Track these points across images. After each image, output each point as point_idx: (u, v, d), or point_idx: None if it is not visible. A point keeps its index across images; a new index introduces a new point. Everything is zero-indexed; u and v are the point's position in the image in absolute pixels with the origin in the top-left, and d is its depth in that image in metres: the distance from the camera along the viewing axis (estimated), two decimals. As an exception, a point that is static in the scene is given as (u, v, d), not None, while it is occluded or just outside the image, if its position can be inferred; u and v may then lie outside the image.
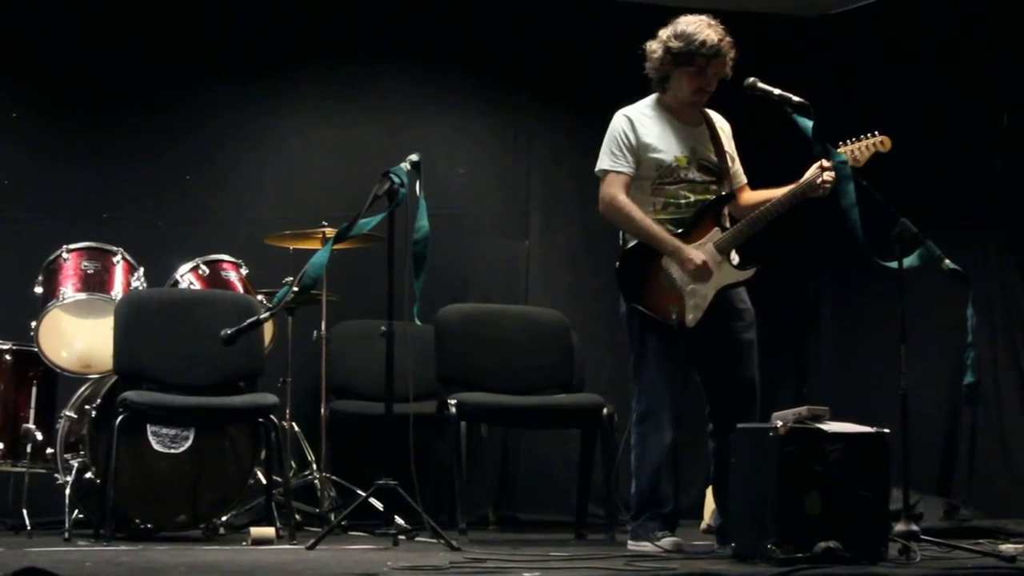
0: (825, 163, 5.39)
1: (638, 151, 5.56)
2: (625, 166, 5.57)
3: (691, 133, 5.62)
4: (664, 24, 5.60)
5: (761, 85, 5.48)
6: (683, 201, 5.54)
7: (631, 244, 5.58)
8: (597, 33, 8.03)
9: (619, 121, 5.63)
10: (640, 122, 5.60)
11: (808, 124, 5.31)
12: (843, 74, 8.13)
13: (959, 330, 5.62)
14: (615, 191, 5.57)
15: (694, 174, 5.56)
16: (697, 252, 5.45)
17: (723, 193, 5.58)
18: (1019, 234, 7.35)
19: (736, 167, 5.70)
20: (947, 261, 5.35)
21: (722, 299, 5.49)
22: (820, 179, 5.38)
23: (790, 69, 6.33)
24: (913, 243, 5.36)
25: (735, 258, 5.55)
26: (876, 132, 5.44)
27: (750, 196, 5.64)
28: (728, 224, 5.55)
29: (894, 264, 5.34)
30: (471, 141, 8.14)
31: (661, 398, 5.49)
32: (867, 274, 6.40)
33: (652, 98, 5.67)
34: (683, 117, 5.63)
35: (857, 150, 5.44)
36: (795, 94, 5.39)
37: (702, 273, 5.44)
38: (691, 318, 5.45)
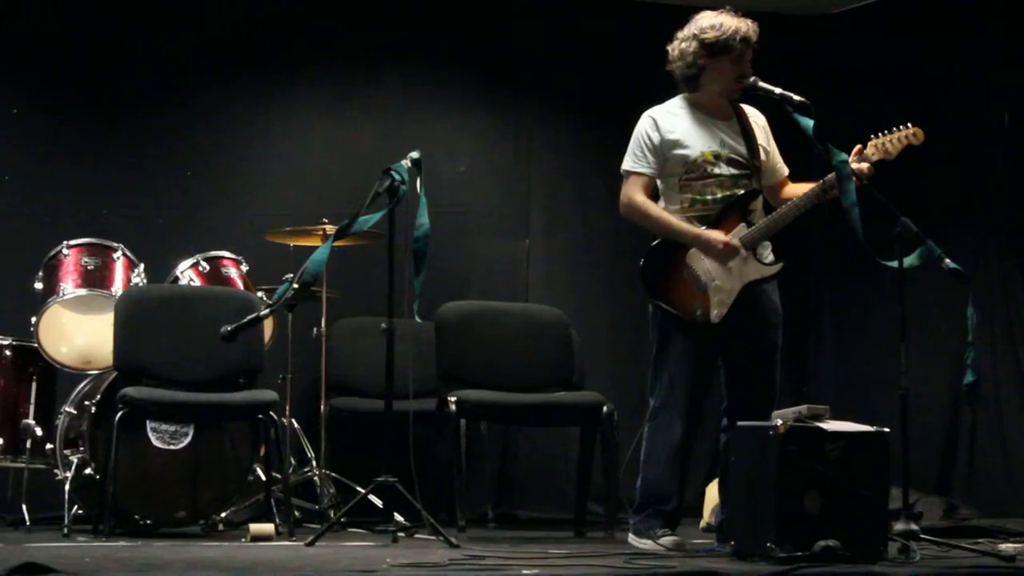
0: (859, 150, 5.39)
1: (661, 150, 5.52)
2: (645, 167, 5.55)
3: (721, 127, 5.58)
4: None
5: (762, 84, 5.47)
6: (710, 198, 5.50)
7: (655, 242, 5.56)
8: (599, 31, 8.04)
9: (643, 122, 5.61)
10: (664, 120, 5.57)
11: (809, 123, 5.30)
12: (844, 74, 8.13)
13: (959, 329, 5.61)
14: (633, 192, 5.55)
15: (723, 168, 5.51)
16: (718, 232, 5.44)
17: (754, 188, 5.56)
18: (1020, 234, 7.35)
19: (772, 161, 5.66)
20: (947, 260, 5.34)
21: (751, 297, 5.47)
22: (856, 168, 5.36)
23: (791, 68, 6.32)
24: (913, 242, 5.35)
25: (764, 254, 5.53)
26: (909, 124, 5.41)
27: (792, 189, 5.62)
28: (757, 220, 5.53)
29: (894, 263, 5.33)
30: (472, 139, 8.14)
31: (678, 396, 5.47)
32: (867, 273, 6.40)
33: (679, 97, 5.64)
34: (713, 112, 5.59)
35: (889, 143, 5.39)
36: (796, 93, 5.39)
37: (729, 253, 5.41)
38: (715, 314, 5.43)
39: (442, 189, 7.16)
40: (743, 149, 5.57)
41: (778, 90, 5.43)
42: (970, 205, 7.44)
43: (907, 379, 5.23)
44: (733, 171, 5.53)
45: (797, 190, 5.56)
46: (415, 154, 5.69)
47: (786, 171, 5.70)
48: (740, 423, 5.13)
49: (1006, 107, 7.36)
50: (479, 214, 8.03)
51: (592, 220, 8.11)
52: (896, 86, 7.78)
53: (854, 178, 5.26)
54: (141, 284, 6.51)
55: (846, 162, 5.29)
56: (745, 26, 5.50)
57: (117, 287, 6.46)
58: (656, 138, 5.54)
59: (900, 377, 5.24)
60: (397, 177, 5.60)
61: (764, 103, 5.54)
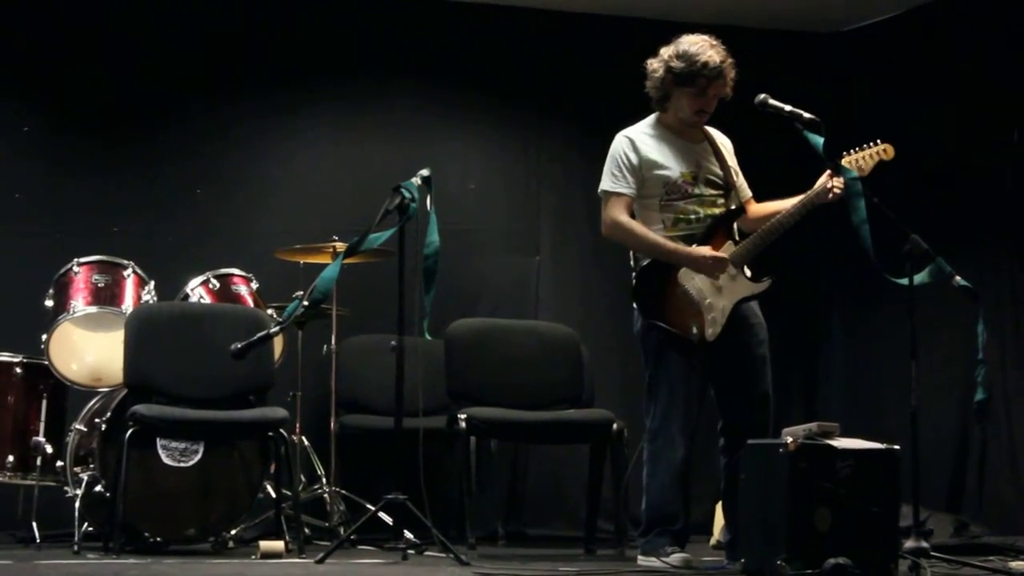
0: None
1: (640, 170, 5.54)
2: (626, 187, 5.56)
3: (694, 149, 5.61)
4: (676, 39, 5.60)
5: (772, 102, 5.47)
6: (693, 216, 5.53)
7: (645, 262, 5.56)
8: (608, 49, 8.04)
9: (619, 142, 5.63)
10: (641, 141, 5.58)
11: (819, 140, 5.31)
12: (853, 91, 8.14)
13: (969, 347, 5.61)
14: (616, 212, 5.57)
15: (701, 189, 5.55)
16: (707, 248, 5.44)
17: (731, 207, 5.57)
18: (1030, 251, 7.35)
19: (740, 181, 5.70)
20: (957, 278, 5.34)
21: (737, 314, 5.47)
22: (830, 185, 5.37)
23: (801, 86, 6.33)
24: (924, 260, 5.35)
25: (748, 271, 5.54)
26: (879, 140, 5.44)
27: (758, 208, 5.64)
28: (739, 238, 5.54)
29: (905, 281, 5.34)
30: (482, 156, 8.15)
31: (675, 414, 5.46)
32: (877, 290, 6.40)
33: (652, 117, 5.66)
34: (684, 135, 5.62)
35: (861, 159, 5.42)
36: (805, 111, 5.39)
37: (720, 265, 5.41)
38: (711, 332, 5.43)
39: (452, 207, 7.17)
40: (717, 169, 5.60)
41: (788, 107, 5.43)
42: (980, 222, 7.43)
43: (917, 396, 5.23)
44: (711, 191, 5.57)
45: (762, 210, 5.60)
46: (425, 172, 5.70)
47: (749, 192, 5.73)
48: (750, 441, 5.12)
49: (1016, 122, 7.35)
50: (489, 231, 8.04)
51: (602, 237, 8.10)
52: (905, 103, 7.78)
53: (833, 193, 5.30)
54: (151, 301, 6.51)
55: (857, 179, 5.30)
56: (716, 60, 5.44)
57: (127, 304, 6.46)
58: (635, 159, 5.55)
59: (910, 394, 5.23)
60: (407, 195, 5.60)
61: (773, 120, 5.54)
